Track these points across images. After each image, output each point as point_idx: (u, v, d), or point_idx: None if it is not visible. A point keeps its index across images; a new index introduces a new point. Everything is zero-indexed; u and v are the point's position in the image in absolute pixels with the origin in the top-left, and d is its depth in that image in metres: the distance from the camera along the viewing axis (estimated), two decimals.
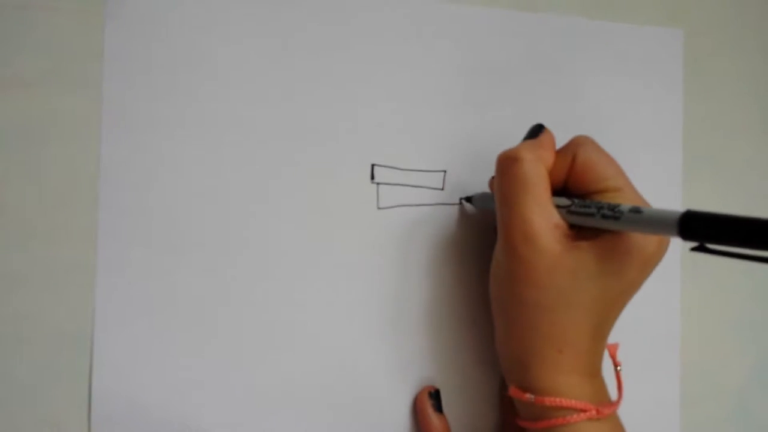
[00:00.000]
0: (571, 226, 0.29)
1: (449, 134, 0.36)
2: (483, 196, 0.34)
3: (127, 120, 0.31)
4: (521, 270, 0.29)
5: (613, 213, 0.26)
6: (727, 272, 0.41)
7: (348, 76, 0.34)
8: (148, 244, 0.31)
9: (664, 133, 0.40)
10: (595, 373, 0.30)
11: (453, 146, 0.36)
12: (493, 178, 0.32)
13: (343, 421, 0.34)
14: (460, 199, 0.35)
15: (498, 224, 0.30)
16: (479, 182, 0.36)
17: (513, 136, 0.36)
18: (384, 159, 0.35)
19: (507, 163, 0.29)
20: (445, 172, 0.35)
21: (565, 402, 0.28)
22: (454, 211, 0.36)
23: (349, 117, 0.34)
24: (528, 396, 0.29)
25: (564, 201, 0.29)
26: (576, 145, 0.30)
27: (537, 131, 0.31)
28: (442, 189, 0.35)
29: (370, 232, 0.34)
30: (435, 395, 0.34)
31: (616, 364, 0.32)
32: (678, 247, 0.40)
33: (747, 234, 0.21)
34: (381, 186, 0.35)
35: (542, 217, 0.28)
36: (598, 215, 0.27)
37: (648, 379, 0.38)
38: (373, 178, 0.34)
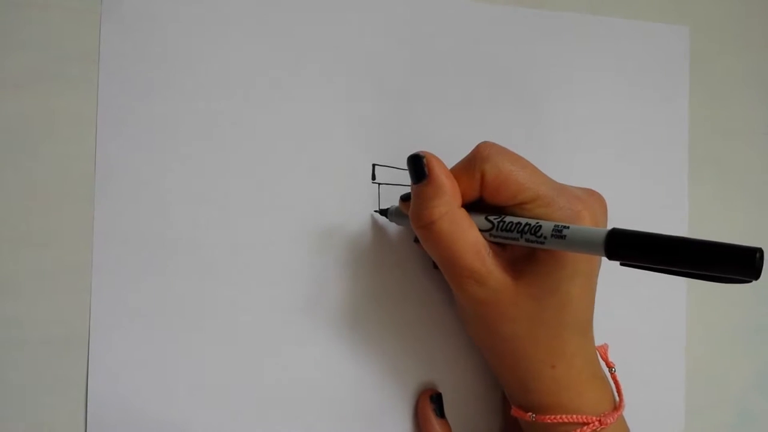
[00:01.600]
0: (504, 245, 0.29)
1: (451, 133, 0.35)
2: (398, 212, 0.33)
3: (123, 120, 0.31)
4: (487, 311, 0.28)
5: (537, 238, 0.26)
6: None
7: (348, 75, 0.34)
8: (144, 246, 0.31)
9: (670, 132, 0.40)
10: (594, 375, 0.30)
11: (454, 145, 0.35)
12: (403, 197, 0.31)
13: (344, 425, 0.33)
14: (374, 210, 0.34)
15: (446, 277, 0.29)
16: None
17: (516, 135, 0.35)
18: (385, 159, 0.34)
19: (424, 231, 0.28)
20: None
21: (566, 418, 0.28)
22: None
23: (349, 116, 0.34)
24: (530, 415, 0.29)
25: (484, 223, 0.28)
26: (481, 159, 0.28)
27: (420, 168, 0.28)
28: None
29: (370, 232, 0.34)
30: (436, 399, 0.34)
31: (609, 366, 0.31)
32: None
33: (673, 254, 0.22)
34: (382, 186, 0.34)
35: (482, 257, 0.28)
36: (522, 239, 0.27)
37: (653, 386, 0.38)
38: (374, 178, 0.34)
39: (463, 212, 0.28)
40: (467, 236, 0.28)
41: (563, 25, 0.38)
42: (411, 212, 0.29)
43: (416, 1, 0.35)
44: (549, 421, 0.29)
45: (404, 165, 0.34)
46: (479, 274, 0.28)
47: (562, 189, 0.28)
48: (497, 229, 0.28)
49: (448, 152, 0.35)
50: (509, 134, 0.36)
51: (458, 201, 0.28)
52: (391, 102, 0.34)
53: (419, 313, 0.35)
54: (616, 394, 0.31)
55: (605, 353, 0.32)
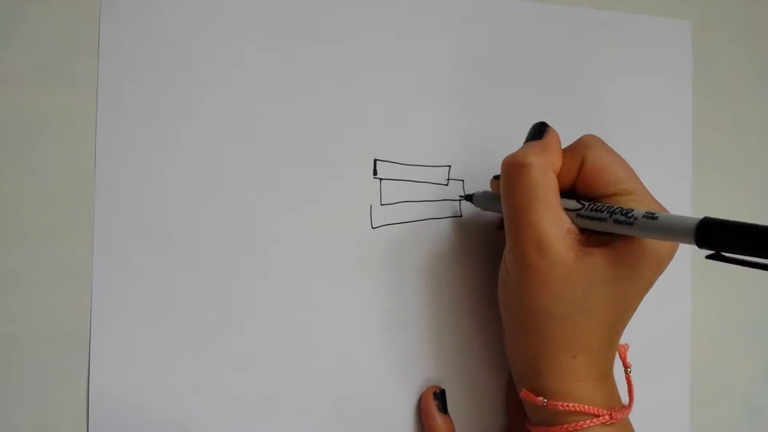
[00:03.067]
0: (582, 230, 0.28)
1: (453, 128, 0.35)
2: (484, 196, 0.33)
3: (123, 116, 0.31)
4: (534, 279, 0.28)
5: (627, 218, 0.26)
6: (737, 275, 0.41)
7: (349, 71, 0.34)
8: (145, 243, 0.31)
9: (673, 127, 0.40)
10: (608, 376, 0.30)
11: (457, 141, 0.35)
12: (494, 178, 0.32)
13: (348, 421, 0.33)
14: (460, 196, 0.35)
15: (507, 232, 0.29)
16: (484, 177, 0.35)
17: (518, 130, 0.35)
18: (386, 154, 0.34)
19: (514, 171, 0.28)
20: (449, 167, 0.35)
21: (578, 407, 0.28)
22: (459, 207, 0.35)
23: (351, 112, 0.34)
24: (540, 400, 0.29)
25: (574, 204, 0.28)
26: (584, 146, 0.29)
27: (540, 131, 0.30)
28: (447, 184, 0.35)
29: (372, 228, 0.34)
30: (440, 396, 0.34)
31: (626, 366, 0.31)
32: (689, 250, 0.39)
33: (764, 243, 0.21)
34: (384, 182, 0.34)
35: (554, 224, 0.28)
36: (610, 220, 0.27)
37: (658, 381, 0.38)
38: (375, 173, 0.34)
39: (554, 178, 0.29)
40: (549, 195, 0.28)
41: (566, 19, 0.37)
42: (509, 157, 0.29)
43: None
44: (561, 407, 0.28)
45: (405, 161, 0.34)
46: (542, 238, 0.27)
47: (654, 198, 0.29)
48: (587, 209, 0.28)
49: (450, 146, 0.35)
50: (511, 128, 0.36)
51: (557, 166, 0.29)
52: (393, 97, 0.34)
53: (423, 309, 0.34)
54: (626, 396, 0.30)
55: (624, 353, 0.31)
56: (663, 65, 0.39)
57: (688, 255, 0.39)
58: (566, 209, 0.28)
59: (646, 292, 0.29)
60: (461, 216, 0.35)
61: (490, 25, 0.36)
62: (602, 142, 0.29)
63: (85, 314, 0.30)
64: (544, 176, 0.28)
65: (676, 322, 0.39)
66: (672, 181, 0.39)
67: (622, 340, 0.30)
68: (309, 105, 0.33)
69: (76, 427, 0.30)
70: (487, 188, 0.34)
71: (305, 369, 0.33)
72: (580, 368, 0.28)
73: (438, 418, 0.33)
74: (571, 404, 0.28)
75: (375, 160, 0.34)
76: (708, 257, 0.24)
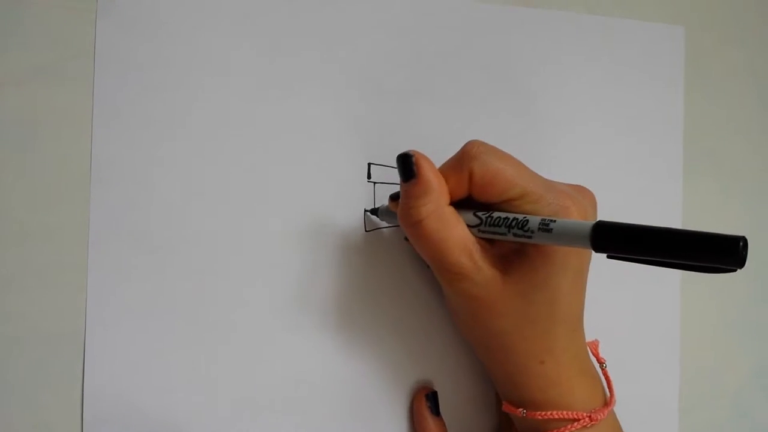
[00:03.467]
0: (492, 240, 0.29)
1: (446, 132, 0.35)
2: (387, 211, 0.33)
3: (119, 117, 0.31)
4: (477, 307, 0.29)
5: (524, 232, 0.26)
6: (726, 275, 0.41)
7: (344, 74, 0.34)
8: (140, 244, 0.31)
9: (665, 130, 0.40)
10: (584, 371, 0.30)
11: (450, 144, 0.35)
12: (392, 196, 0.31)
13: (340, 423, 0.33)
14: (365, 210, 0.34)
15: (437, 276, 0.30)
16: None
17: (511, 133, 0.35)
18: (380, 158, 0.34)
19: (411, 230, 0.28)
20: None
21: (556, 414, 0.29)
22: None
23: (345, 115, 0.34)
24: (521, 411, 0.29)
25: (473, 219, 0.29)
26: (469, 158, 0.28)
27: (409, 167, 0.28)
28: None
29: (365, 231, 0.34)
30: (432, 397, 0.34)
31: (600, 362, 0.32)
32: None
33: (658, 245, 0.22)
34: (377, 185, 0.34)
35: (470, 253, 0.28)
36: (509, 234, 0.27)
37: (647, 382, 0.38)
38: (369, 177, 0.34)
39: (450, 209, 0.28)
40: (455, 233, 0.28)
41: (559, 24, 0.38)
42: (399, 211, 0.29)
43: (413, 1, 0.35)
44: (540, 417, 0.29)
45: None
46: (467, 270, 0.28)
47: (551, 185, 0.28)
48: (485, 225, 0.28)
49: (443, 150, 0.35)
50: (504, 132, 0.36)
51: (446, 199, 0.28)
52: (387, 101, 0.35)
53: (415, 311, 0.35)
54: (606, 390, 0.31)
55: (596, 349, 0.32)
56: (655, 70, 0.40)
57: None
58: (468, 225, 0.28)
59: (584, 276, 0.29)
60: None
61: (485, 30, 0.36)
62: (488, 147, 0.28)
63: (80, 314, 0.30)
64: (440, 221, 0.28)
65: (666, 324, 0.39)
66: (663, 185, 0.39)
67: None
68: (303, 108, 0.33)
69: (70, 427, 0.30)
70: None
71: (298, 370, 0.33)
72: (551, 372, 0.29)
73: (430, 420, 0.33)
74: (549, 412, 0.29)
75: (369, 164, 0.34)
76: (609, 257, 0.24)
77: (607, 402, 0.30)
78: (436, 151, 0.35)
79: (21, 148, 0.30)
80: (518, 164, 0.28)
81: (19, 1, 0.30)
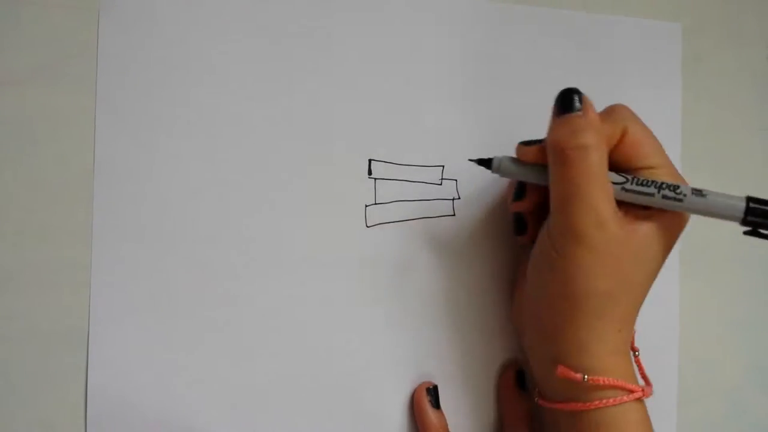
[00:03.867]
0: (618, 203, 0.28)
1: (447, 129, 0.36)
2: (510, 163, 0.31)
3: (122, 117, 0.31)
4: (592, 260, 0.28)
5: (676, 195, 0.27)
6: (725, 271, 0.41)
7: (343, 71, 0.34)
8: (143, 242, 0.31)
9: (663, 128, 0.39)
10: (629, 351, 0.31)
11: (451, 141, 0.36)
12: (523, 144, 0.30)
13: (341, 417, 0.34)
14: (469, 160, 0.32)
15: (560, 211, 0.28)
16: (478, 177, 0.35)
17: (511, 131, 0.35)
18: (381, 154, 0.34)
19: (571, 154, 0.27)
20: (443, 166, 0.35)
21: (617, 382, 0.28)
22: (452, 206, 0.35)
23: (346, 112, 0.34)
24: (581, 376, 0.28)
25: (617, 177, 0.28)
26: (625, 117, 0.29)
27: (572, 102, 0.28)
28: (440, 184, 0.35)
29: (366, 227, 0.34)
30: (432, 391, 0.34)
31: (634, 350, 0.32)
32: (676, 246, 0.39)
33: None
34: (378, 181, 0.34)
35: (610, 203, 0.28)
36: (658, 195, 0.27)
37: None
38: (370, 173, 0.34)
39: (607, 156, 0.28)
40: (605, 177, 0.28)
41: (556, 22, 0.38)
42: (560, 135, 0.28)
43: None
44: (602, 383, 0.28)
45: (399, 161, 0.35)
46: (602, 218, 0.27)
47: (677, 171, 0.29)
48: (632, 183, 0.28)
49: (444, 147, 0.35)
50: (504, 129, 0.36)
51: (607, 144, 0.28)
52: (388, 97, 0.35)
53: (416, 306, 0.35)
54: (639, 377, 0.31)
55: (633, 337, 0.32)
56: (652, 67, 0.40)
57: (675, 252, 0.40)
58: (612, 182, 0.28)
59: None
60: (454, 215, 0.35)
61: (483, 27, 0.36)
62: (636, 114, 0.29)
63: (83, 312, 0.31)
64: (602, 157, 0.28)
65: (664, 319, 0.39)
66: None
67: None
68: (304, 105, 0.34)
69: (74, 425, 0.30)
70: (486, 176, 0.33)
71: (300, 365, 0.33)
72: (620, 342, 0.29)
73: (431, 413, 0.33)
74: (611, 379, 0.28)
75: (370, 160, 0.34)
76: (746, 233, 0.25)
77: (649, 383, 0.30)
78: (437, 147, 0.35)
79: (24, 147, 0.30)
80: (657, 138, 0.29)
81: (20, 0, 0.30)
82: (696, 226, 0.39)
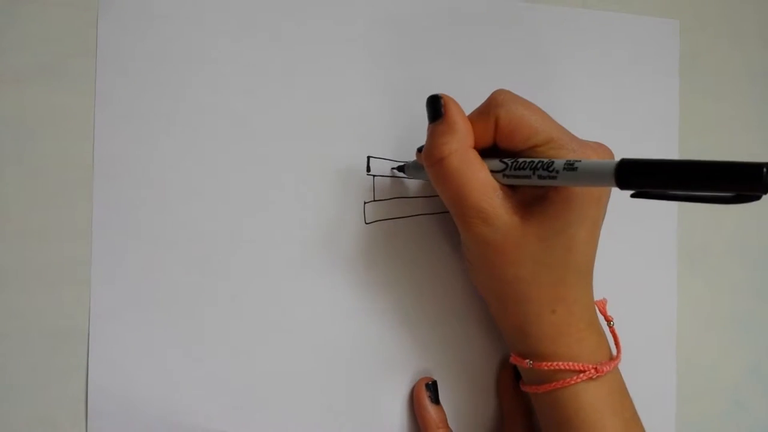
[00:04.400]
0: (515, 188, 0.29)
1: None
2: (414, 166, 0.33)
3: (121, 115, 0.31)
4: (492, 253, 0.29)
5: (549, 172, 0.26)
6: (723, 268, 0.41)
7: (342, 68, 0.34)
8: (143, 240, 0.31)
9: (660, 125, 0.40)
10: (592, 324, 0.30)
11: None
12: (420, 149, 0.31)
13: (341, 413, 0.34)
14: (391, 169, 0.34)
15: (455, 219, 0.30)
16: None
17: None
18: (380, 151, 0.35)
19: (435, 168, 0.29)
20: None
21: (562, 365, 0.29)
22: None
23: (344, 109, 0.34)
24: (527, 362, 0.30)
25: (498, 165, 0.29)
26: (496, 105, 0.29)
27: (437, 107, 0.29)
28: None
29: (365, 224, 0.34)
30: (432, 386, 0.34)
31: (608, 319, 0.32)
32: (675, 241, 0.40)
33: (682, 176, 0.22)
34: (377, 178, 0.34)
35: (490, 197, 0.28)
36: (534, 176, 0.27)
37: (644, 375, 0.38)
38: (368, 170, 0.34)
39: (474, 152, 0.29)
40: (476, 175, 0.28)
41: (554, 18, 0.38)
42: (424, 151, 0.29)
43: None
44: (546, 367, 0.29)
45: (398, 158, 0.35)
46: (486, 214, 0.28)
47: (573, 136, 0.29)
48: (510, 169, 0.28)
49: None
50: None
51: (470, 142, 0.29)
52: (387, 94, 0.35)
53: (414, 301, 0.35)
54: (613, 346, 0.31)
55: (604, 307, 0.32)
56: (650, 64, 0.40)
57: (673, 250, 0.40)
58: (492, 171, 0.29)
59: (598, 228, 0.30)
60: None
61: (481, 24, 0.37)
62: (514, 95, 0.29)
63: (84, 310, 0.31)
64: (464, 160, 0.28)
65: (662, 317, 0.39)
66: None
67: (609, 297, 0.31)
68: (304, 103, 0.34)
69: (74, 422, 0.31)
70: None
71: (300, 362, 0.33)
72: (561, 321, 0.29)
73: (430, 408, 0.33)
74: (555, 363, 0.29)
75: (368, 157, 0.34)
76: (632, 196, 0.24)
77: (613, 358, 0.30)
78: None
79: (24, 145, 0.30)
80: (542, 113, 0.29)
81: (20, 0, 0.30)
82: (695, 226, 0.40)
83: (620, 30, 0.39)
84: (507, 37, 0.37)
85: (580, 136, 0.30)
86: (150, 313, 0.31)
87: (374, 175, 0.34)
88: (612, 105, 0.39)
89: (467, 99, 0.36)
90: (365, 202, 0.34)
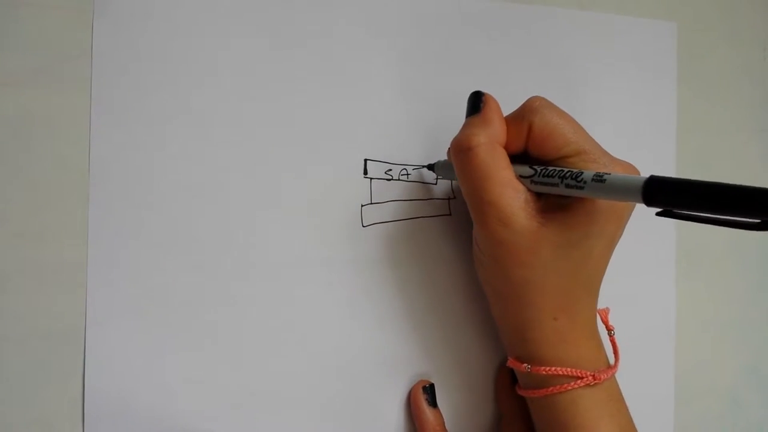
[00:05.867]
0: (540, 195, 0.29)
1: (442, 128, 0.36)
2: (444, 165, 0.34)
3: (117, 117, 0.31)
4: (505, 253, 0.29)
5: (577, 182, 0.26)
6: (721, 270, 0.41)
7: (339, 71, 0.34)
8: (139, 242, 0.31)
9: (658, 127, 0.40)
10: (592, 335, 0.30)
11: (446, 140, 0.36)
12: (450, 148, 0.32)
13: (338, 416, 0.34)
14: (422, 166, 0.35)
15: (471, 214, 0.30)
16: None
17: None
18: (377, 154, 0.35)
19: (462, 156, 0.29)
20: None
21: (560, 370, 0.29)
22: (448, 205, 0.36)
23: (341, 112, 0.34)
24: (525, 366, 0.30)
25: (527, 171, 0.29)
26: (531, 111, 0.29)
27: (477, 102, 0.30)
28: (435, 183, 0.35)
29: (362, 226, 0.34)
30: (429, 389, 0.34)
31: (609, 329, 0.32)
32: (674, 244, 0.40)
33: (709, 198, 0.22)
34: (374, 181, 0.34)
35: (511, 197, 0.28)
36: (562, 185, 0.27)
37: (643, 376, 0.39)
38: (366, 173, 0.34)
39: (502, 150, 0.29)
40: (501, 172, 0.28)
41: (552, 20, 0.38)
42: (453, 140, 0.29)
43: None
44: (544, 372, 0.29)
45: (395, 161, 0.35)
46: (504, 213, 0.28)
47: (605, 151, 0.29)
48: (539, 176, 0.28)
49: (442, 146, 0.36)
50: None
51: (502, 140, 0.29)
52: (383, 97, 0.35)
53: (412, 304, 0.35)
54: (612, 356, 0.31)
55: (606, 316, 0.32)
56: (648, 66, 0.40)
57: (672, 252, 0.40)
58: (520, 176, 0.29)
59: (614, 246, 0.30)
60: (450, 214, 0.36)
61: (479, 26, 0.37)
62: (549, 103, 0.29)
63: (80, 312, 0.31)
64: (491, 154, 0.28)
65: (661, 318, 0.40)
66: None
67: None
68: (300, 106, 0.34)
69: (71, 425, 0.30)
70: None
71: (297, 365, 0.33)
72: (563, 329, 0.29)
73: (428, 411, 0.33)
74: (553, 368, 0.29)
75: (365, 160, 0.34)
76: (658, 214, 0.24)
77: (611, 366, 0.30)
78: (432, 146, 0.35)
79: (20, 148, 0.30)
80: (576, 124, 0.29)
81: (15, 2, 0.30)
82: (692, 228, 0.40)
83: (618, 32, 0.39)
84: (504, 38, 0.37)
85: None
86: (146, 316, 0.31)
87: (371, 178, 0.34)
88: (609, 107, 0.39)
89: (464, 101, 0.36)
90: (362, 205, 0.34)
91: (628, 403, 0.31)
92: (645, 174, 0.25)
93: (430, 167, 0.35)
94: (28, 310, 0.30)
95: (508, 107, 0.37)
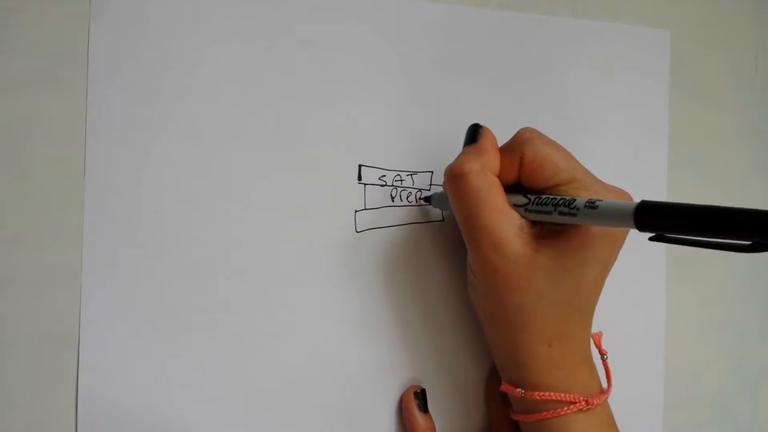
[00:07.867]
0: (534, 222, 0.29)
1: (436, 135, 0.36)
2: (440, 197, 0.34)
3: (113, 122, 0.31)
4: (499, 280, 0.29)
5: (570, 210, 0.27)
6: (710, 275, 0.42)
7: (334, 77, 0.34)
8: (133, 246, 0.31)
9: (650, 134, 0.40)
10: (586, 360, 0.31)
11: (440, 147, 0.36)
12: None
13: (330, 421, 0.34)
14: (419, 199, 0.35)
15: (465, 240, 0.30)
16: None
17: (501, 138, 0.36)
18: (371, 160, 0.35)
19: (455, 181, 0.29)
20: (432, 172, 0.36)
21: (554, 395, 0.29)
22: (441, 211, 0.36)
23: (336, 118, 0.34)
24: (518, 391, 0.30)
25: (521, 200, 0.29)
26: (521, 142, 0.30)
27: (474, 134, 0.31)
28: (429, 190, 0.36)
29: (356, 232, 0.34)
30: (420, 395, 0.34)
31: (602, 353, 0.32)
32: (663, 250, 0.40)
33: (700, 221, 0.22)
34: (368, 187, 0.35)
35: (505, 224, 0.28)
36: (555, 213, 0.27)
37: (632, 381, 0.39)
38: (360, 178, 0.35)
39: (495, 179, 0.29)
40: (494, 199, 0.29)
41: (546, 28, 0.38)
42: (448, 167, 0.30)
43: (405, 6, 0.35)
44: (537, 397, 0.29)
45: (389, 166, 0.35)
46: (497, 239, 0.28)
47: (597, 179, 0.30)
48: (533, 204, 0.28)
49: (435, 153, 0.36)
50: (495, 134, 0.36)
51: (495, 169, 0.30)
52: (378, 104, 0.35)
53: (404, 310, 0.35)
54: (605, 380, 0.31)
55: (599, 340, 0.33)
56: (640, 73, 0.40)
57: (662, 257, 0.40)
58: (515, 205, 0.29)
59: (608, 272, 0.30)
60: (443, 220, 0.36)
61: (473, 34, 0.37)
62: (540, 134, 0.30)
63: (74, 315, 0.31)
64: (484, 181, 0.29)
65: (650, 323, 0.40)
66: (647, 188, 0.40)
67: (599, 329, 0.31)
68: (295, 111, 0.34)
69: (64, 427, 0.30)
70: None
71: (289, 370, 0.33)
72: (557, 355, 0.29)
73: (419, 417, 0.33)
74: (546, 393, 0.29)
75: (360, 166, 0.35)
76: (651, 239, 0.24)
77: (604, 390, 0.30)
78: (427, 154, 0.36)
79: (15, 151, 0.30)
80: (567, 153, 0.30)
81: (11, 7, 0.30)
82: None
83: (611, 40, 0.39)
84: (498, 46, 0.37)
85: (569, 146, 0.30)
86: (141, 320, 0.31)
87: (365, 184, 0.35)
88: (602, 113, 0.39)
89: (459, 109, 0.36)
90: (356, 211, 0.34)
91: (616, 409, 0.32)
92: (636, 199, 0.25)
93: (427, 199, 0.35)
94: (22, 314, 0.30)
95: (502, 116, 0.37)
